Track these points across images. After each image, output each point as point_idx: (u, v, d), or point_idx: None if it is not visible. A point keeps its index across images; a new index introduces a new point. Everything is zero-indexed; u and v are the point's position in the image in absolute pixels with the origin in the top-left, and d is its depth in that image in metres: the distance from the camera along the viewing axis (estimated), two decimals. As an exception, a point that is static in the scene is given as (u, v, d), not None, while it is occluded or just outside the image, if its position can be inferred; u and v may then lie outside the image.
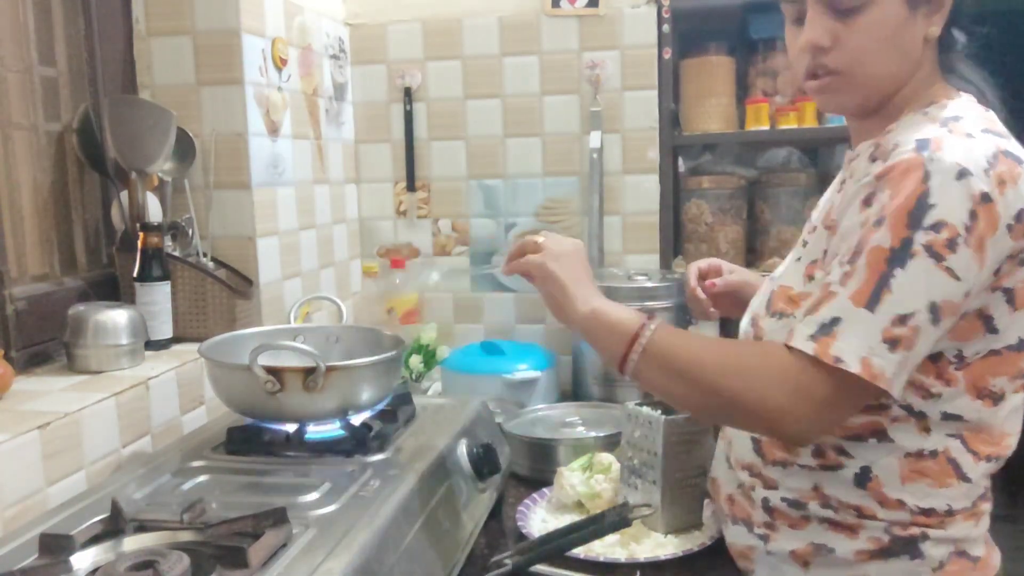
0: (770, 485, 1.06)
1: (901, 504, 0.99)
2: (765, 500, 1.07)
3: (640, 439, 1.27)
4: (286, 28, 1.78)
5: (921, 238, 0.89)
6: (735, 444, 1.12)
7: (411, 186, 2.16)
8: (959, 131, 0.95)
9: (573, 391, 1.97)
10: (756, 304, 1.13)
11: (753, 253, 2.14)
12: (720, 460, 1.18)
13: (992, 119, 1.00)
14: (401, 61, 2.13)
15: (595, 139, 2.03)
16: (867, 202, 0.94)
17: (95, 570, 0.83)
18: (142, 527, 0.92)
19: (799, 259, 1.09)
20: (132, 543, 0.90)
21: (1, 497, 1.02)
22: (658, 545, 1.22)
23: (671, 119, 2.04)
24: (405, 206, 2.18)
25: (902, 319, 0.90)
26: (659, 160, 2.05)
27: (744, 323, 1.15)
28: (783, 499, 1.05)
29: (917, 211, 0.89)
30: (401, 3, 2.11)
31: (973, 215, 0.89)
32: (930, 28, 1.01)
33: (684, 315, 1.91)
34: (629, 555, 1.19)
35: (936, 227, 0.89)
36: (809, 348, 0.92)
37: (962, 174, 0.89)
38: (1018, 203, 0.92)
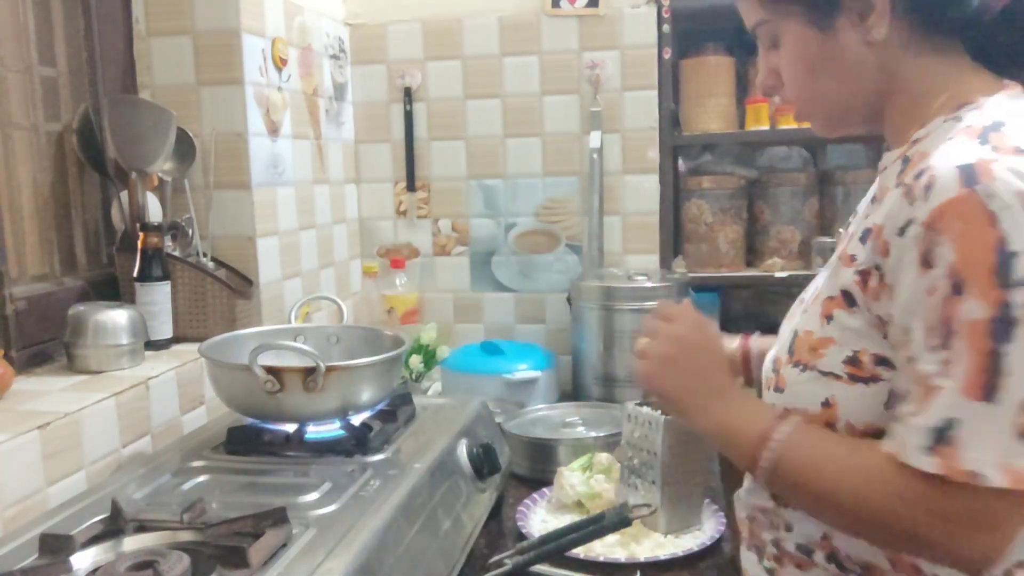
0: (786, 527, 1.00)
1: (916, 570, 0.87)
2: (776, 540, 1.01)
3: (640, 439, 1.27)
4: (286, 28, 1.78)
5: (1019, 298, 0.74)
6: (750, 483, 1.05)
7: (411, 186, 2.16)
8: (1005, 146, 0.79)
9: (573, 391, 1.96)
10: (780, 344, 1.01)
11: (753, 253, 2.15)
12: (743, 485, 1.11)
13: None
14: (401, 61, 2.13)
15: (595, 139, 2.03)
16: (926, 262, 0.78)
17: (95, 570, 0.83)
18: (142, 527, 0.92)
19: (830, 297, 0.93)
20: (132, 543, 0.90)
21: (1, 497, 1.02)
22: (658, 545, 1.22)
23: (671, 119, 2.04)
24: (405, 206, 2.18)
25: None
26: (659, 160, 2.05)
27: (766, 366, 1.03)
28: (795, 543, 0.98)
29: (1002, 265, 0.74)
30: (401, 3, 2.11)
31: None
32: (869, 33, 0.89)
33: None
34: (629, 555, 1.19)
35: None
36: (930, 465, 0.76)
37: None
38: None
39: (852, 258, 0.89)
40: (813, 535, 0.95)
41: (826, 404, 0.89)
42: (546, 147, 2.10)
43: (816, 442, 0.88)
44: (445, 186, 2.16)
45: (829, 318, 0.90)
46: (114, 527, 0.91)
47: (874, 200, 0.97)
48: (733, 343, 1.24)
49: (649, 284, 1.87)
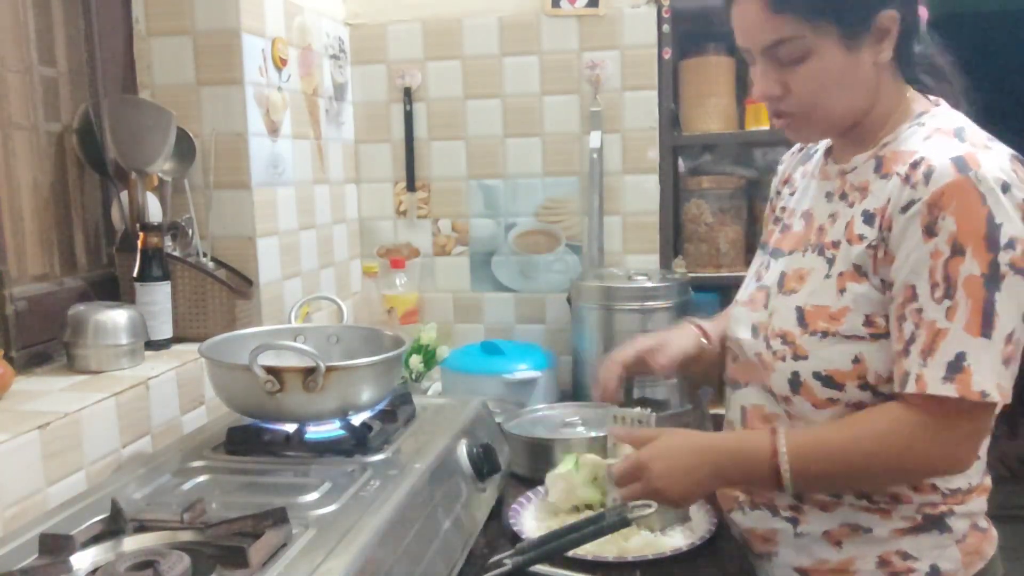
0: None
1: (934, 488, 1.06)
2: (797, 495, 1.11)
3: None
4: (286, 28, 1.78)
5: (1004, 258, 0.95)
6: None
7: (411, 186, 2.16)
8: (979, 143, 1.00)
9: (573, 391, 1.97)
10: (782, 320, 1.10)
11: (753, 253, 2.13)
12: None
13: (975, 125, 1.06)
14: (401, 61, 2.13)
15: (595, 139, 2.03)
16: (929, 231, 0.97)
17: (95, 570, 0.83)
18: (142, 527, 0.92)
19: (828, 276, 1.08)
20: (132, 543, 0.90)
21: (1, 497, 1.02)
22: (647, 544, 1.21)
23: (671, 119, 2.04)
24: (405, 206, 2.18)
25: (1010, 337, 0.96)
26: (659, 160, 2.05)
27: (759, 344, 1.13)
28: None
29: (991, 233, 0.95)
30: (401, 3, 2.11)
31: None
32: (880, 55, 1.04)
33: (683, 315, 1.91)
34: (618, 553, 1.19)
35: (1012, 244, 0.95)
36: (951, 391, 0.95)
37: (1005, 187, 0.96)
38: None
39: (860, 237, 1.05)
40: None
41: (856, 360, 1.04)
42: (546, 147, 2.10)
43: (814, 434, 1.06)
44: (445, 186, 2.16)
45: (843, 291, 1.06)
46: (114, 527, 0.91)
47: (839, 197, 1.11)
48: (688, 338, 1.31)
49: (649, 284, 1.87)
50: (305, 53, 1.87)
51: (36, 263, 1.43)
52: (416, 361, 1.97)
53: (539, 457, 1.50)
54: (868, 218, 1.05)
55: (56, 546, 0.86)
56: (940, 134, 1.02)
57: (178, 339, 1.51)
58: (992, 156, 0.98)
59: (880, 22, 1.02)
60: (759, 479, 1.06)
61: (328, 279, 2.00)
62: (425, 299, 2.19)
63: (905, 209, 0.99)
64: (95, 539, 0.90)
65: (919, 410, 0.98)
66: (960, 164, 0.96)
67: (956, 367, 0.95)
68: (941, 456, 1.00)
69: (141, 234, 1.46)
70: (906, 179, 1.00)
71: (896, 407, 1.01)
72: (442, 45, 2.10)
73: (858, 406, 1.05)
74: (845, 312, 1.05)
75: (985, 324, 0.95)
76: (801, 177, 1.23)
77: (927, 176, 0.98)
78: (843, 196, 1.11)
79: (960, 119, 1.06)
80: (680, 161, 2.20)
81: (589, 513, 1.26)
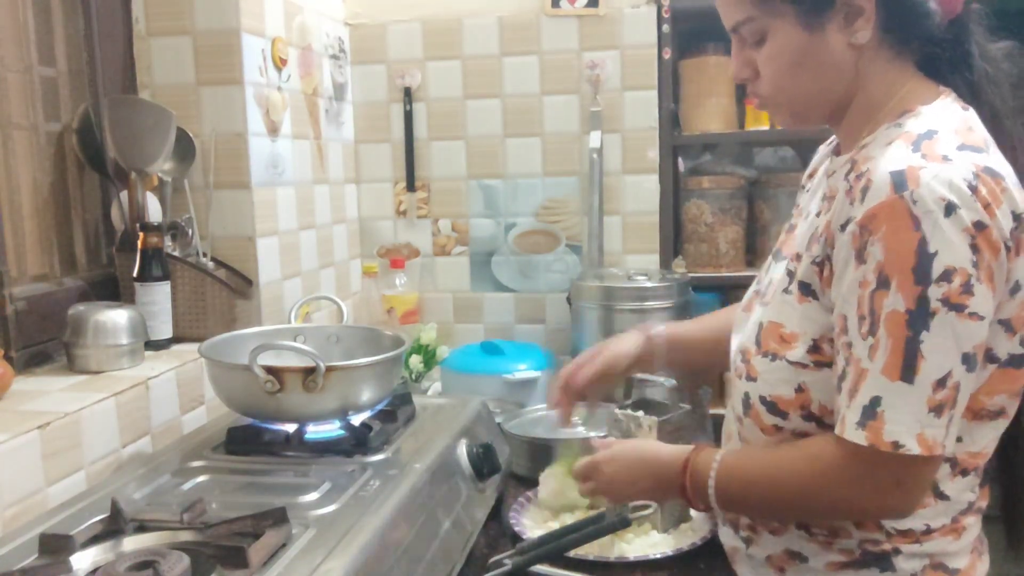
0: None
1: (878, 526, 0.98)
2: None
3: None
4: (286, 28, 1.78)
5: (935, 293, 0.84)
6: None
7: (411, 186, 2.16)
8: (934, 154, 0.88)
9: (573, 391, 1.96)
10: (746, 335, 1.07)
11: (753, 253, 2.14)
12: None
13: (970, 125, 0.94)
14: (401, 61, 2.13)
15: (595, 139, 2.03)
16: (860, 257, 0.88)
17: (95, 570, 0.83)
18: (142, 527, 0.92)
19: (786, 290, 1.01)
20: (132, 543, 0.90)
21: (1, 497, 1.02)
22: (649, 545, 1.21)
23: (671, 119, 2.04)
24: (405, 206, 2.18)
25: (942, 382, 0.86)
26: (659, 160, 2.05)
27: (734, 357, 1.09)
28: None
29: (921, 264, 0.84)
30: (401, 3, 2.11)
31: (975, 248, 0.85)
32: (854, 36, 0.95)
33: (683, 315, 1.91)
34: (619, 553, 1.19)
35: (946, 276, 0.84)
36: (861, 438, 0.88)
37: (950, 208, 0.84)
38: (1008, 222, 0.87)
39: (809, 251, 0.98)
40: None
41: (799, 389, 0.97)
42: (546, 147, 2.10)
43: (741, 455, 1.03)
44: (445, 186, 2.16)
45: (799, 309, 0.99)
46: (114, 527, 0.91)
47: (825, 198, 1.03)
48: (632, 340, 1.29)
49: (649, 284, 1.87)
50: (305, 53, 1.87)
51: (36, 263, 1.43)
52: (416, 361, 1.97)
53: (539, 457, 1.50)
54: (819, 231, 0.98)
55: (56, 546, 0.86)
56: (902, 140, 0.91)
57: (178, 339, 1.51)
58: (945, 170, 0.86)
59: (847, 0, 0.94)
60: (693, 495, 1.04)
61: (328, 279, 2.00)
62: (425, 299, 2.19)
63: (844, 227, 0.90)
64: (95, 539, 0.90)
65: (843, 451, 0.90)
66: (898, 181, 0.85)
67: (871, 412, 0.87)
68: (864, 501, 0.92)
69: (141, 234, 1.46)
70: (848, 192, 0.91)
71: (825, 443, 0.93)
72: (442, 45, 2.10)
73: (803, 436, 0.98)
74: (796, 336, 0.98)
75: (906, 367, 0.85)
76: (822, 173, 1.12)
77: (864, 192, 0.88)
78: (825, 199, 1.02)
79: (939, 119, 0.93)
80: (680, 161, 2.20)
81: (580, 514, 1.26)
